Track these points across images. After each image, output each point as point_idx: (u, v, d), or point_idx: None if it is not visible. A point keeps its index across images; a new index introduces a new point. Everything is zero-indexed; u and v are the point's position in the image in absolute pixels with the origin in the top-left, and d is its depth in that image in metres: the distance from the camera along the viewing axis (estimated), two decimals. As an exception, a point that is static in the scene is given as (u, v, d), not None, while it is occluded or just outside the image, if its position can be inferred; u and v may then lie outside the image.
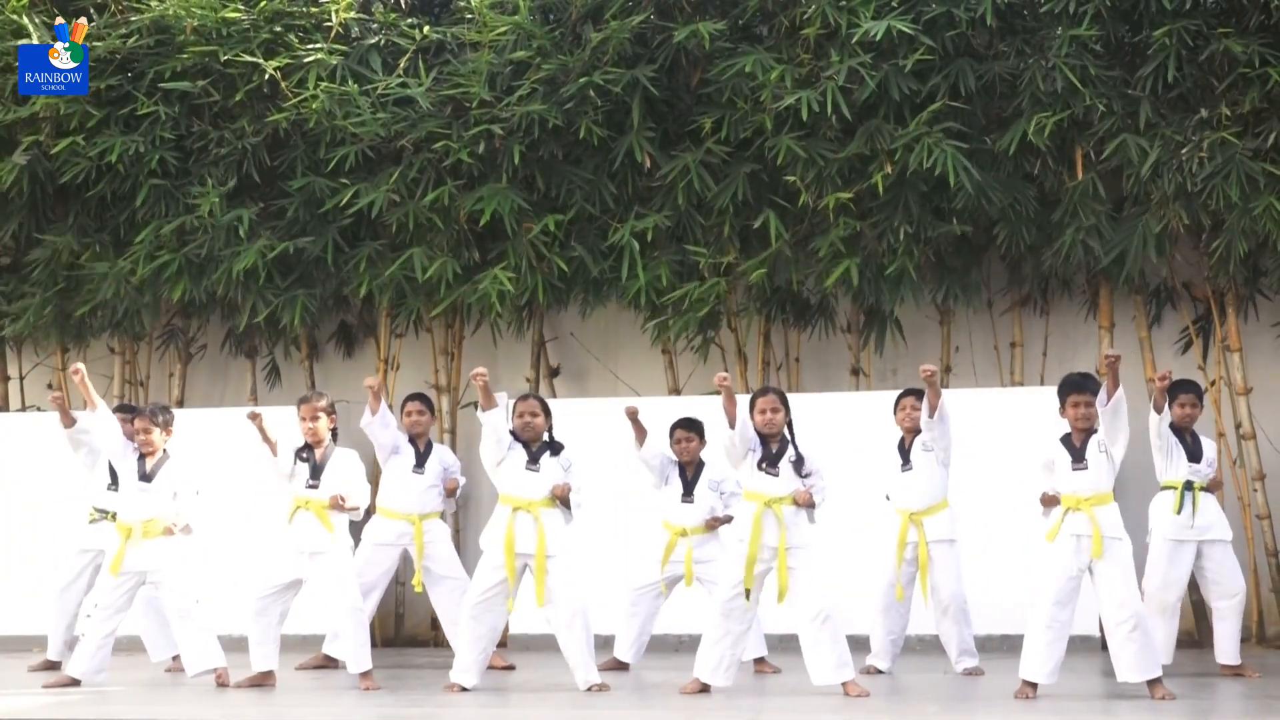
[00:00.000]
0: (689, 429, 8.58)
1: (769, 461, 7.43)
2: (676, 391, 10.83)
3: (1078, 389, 7.30)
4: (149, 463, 8.17)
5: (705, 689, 7.38)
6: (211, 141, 10.60)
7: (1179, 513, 8.11)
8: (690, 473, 8.58)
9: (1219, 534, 8.15)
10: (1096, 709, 6.98)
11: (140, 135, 10.52)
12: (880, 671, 8.37)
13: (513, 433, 7.82)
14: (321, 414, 8.16)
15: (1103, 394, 7.07)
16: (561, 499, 7.72)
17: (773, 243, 9.89)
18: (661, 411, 9.57)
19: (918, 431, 8.31)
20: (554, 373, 11.29)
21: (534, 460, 7.74)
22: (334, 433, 8.30)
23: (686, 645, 8.80)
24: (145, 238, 10.55)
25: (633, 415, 8.19)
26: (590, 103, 9.92)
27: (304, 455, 8.07)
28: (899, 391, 8.71)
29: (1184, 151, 9.27)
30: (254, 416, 7.96)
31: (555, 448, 7.86)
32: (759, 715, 6.77)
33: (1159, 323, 10.45)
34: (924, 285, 10.12)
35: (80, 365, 8.20)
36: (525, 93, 10.01)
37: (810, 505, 7.42)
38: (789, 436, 7.52)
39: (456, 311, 10.76)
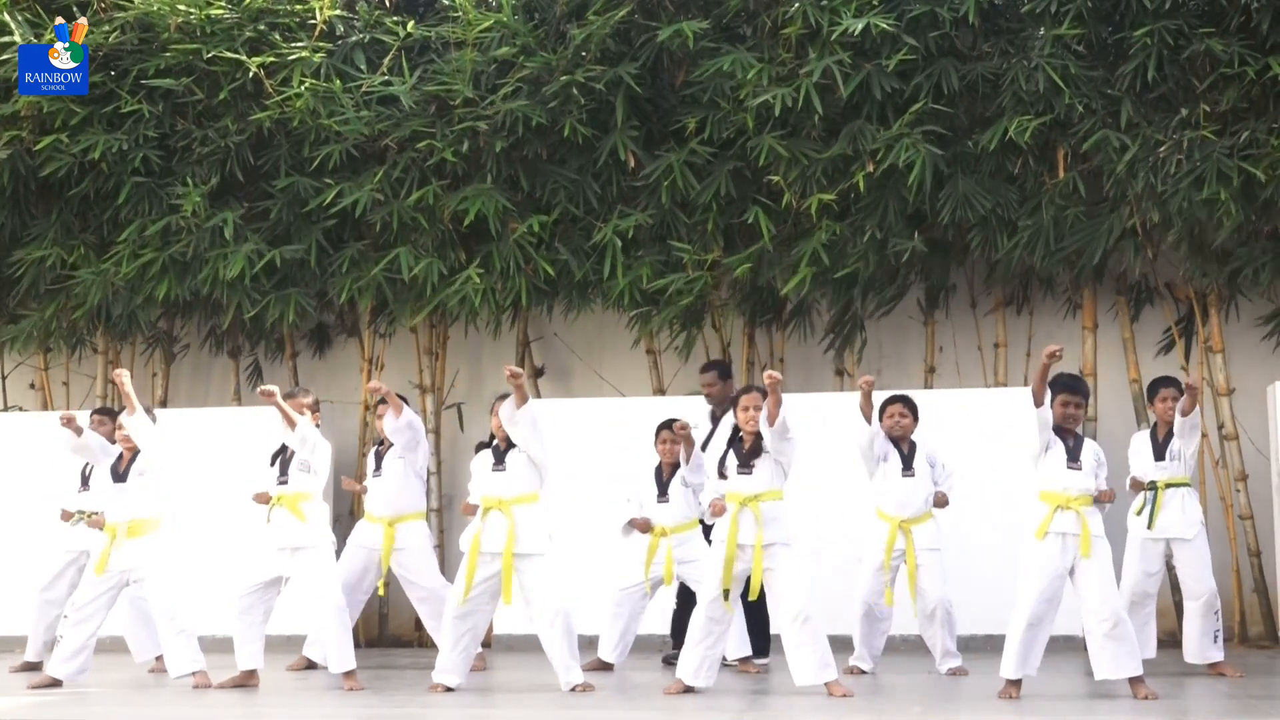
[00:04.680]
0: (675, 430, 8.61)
1: (743, 460, 7.44)
2: (661, 392, 10.84)
3: (1069, 389, 7.31)
4: (122, 462, 8.17)
5: (689, 689, 7.38)
6: (195, 140, 10.57)
7: (1139, 514, 8.17)
8: (666, 473, 8.62)
9: (1180, 533, 8.16)
10: (1079, 709, 6.99)
11: (124, 133, 10.48)
12: (863, 672, 8.38)
13: (490, 437, 7.85)
14: (305, 410, 8.15)
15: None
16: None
17: (759, 239, 9.88)
18: (645, 412, 9.60)
19: (908, 439, 8.35)
20: (538, 373, 11.28)
21: (499, 461, 7.74)
22: (315, 403, 8.30)
23: (671, 646, 8.82)
24: (129, 237, 10.51)
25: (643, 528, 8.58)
26: (574, 101, 9.92)
27: (277, 454, 8.09)
28: (884, 397, 8.69)
29: (1162, 150, 9.29)
30: (267, 394, 7.90)
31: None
32: (742, 715, 6.76)
33: (1139, 321, 10.47)
34: (888, 285, 10.11)
35: (124, 371, 8.15)
36: (509, 91, 10.00)
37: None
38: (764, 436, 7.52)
39: (440, 311, 10.74)
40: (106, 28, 10.54)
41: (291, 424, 7.91)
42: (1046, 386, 7.16)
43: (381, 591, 8.87)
